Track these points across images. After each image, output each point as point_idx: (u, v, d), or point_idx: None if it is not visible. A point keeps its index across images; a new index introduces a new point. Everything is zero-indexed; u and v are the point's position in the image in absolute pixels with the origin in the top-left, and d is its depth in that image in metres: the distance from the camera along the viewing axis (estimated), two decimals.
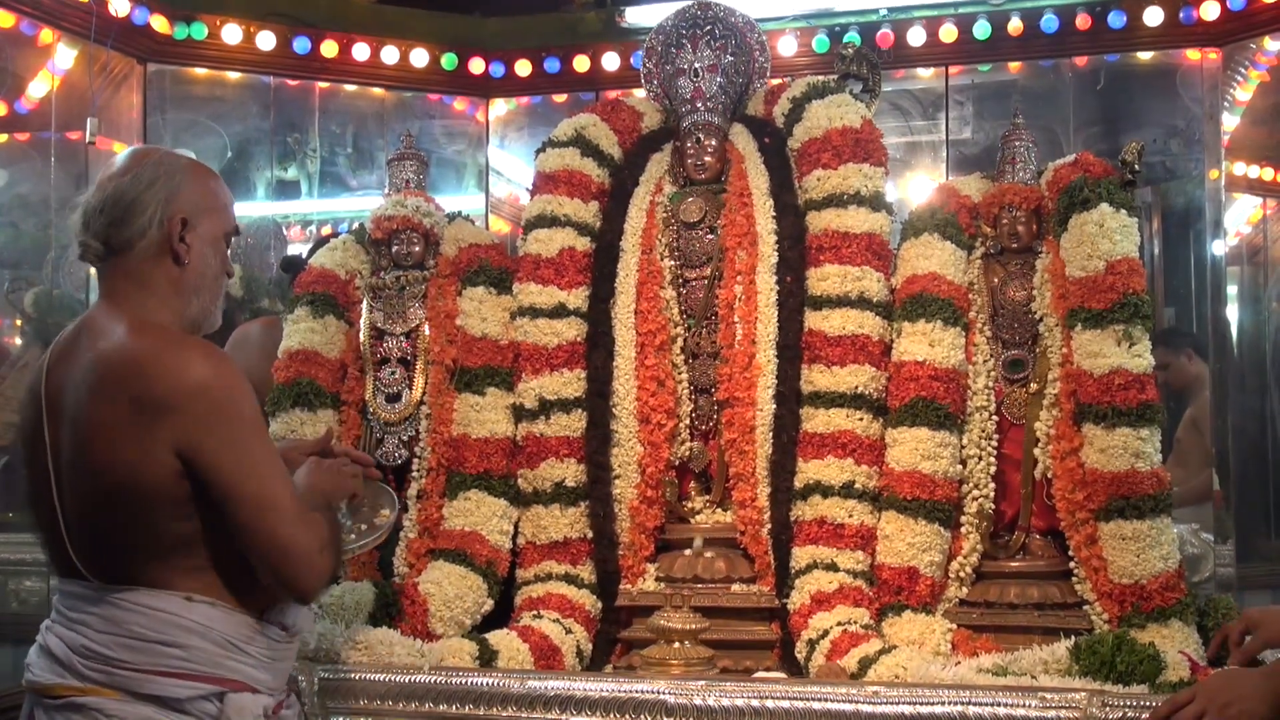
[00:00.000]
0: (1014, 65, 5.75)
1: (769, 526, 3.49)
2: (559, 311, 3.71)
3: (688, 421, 3.70)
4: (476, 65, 5.94)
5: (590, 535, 3.63)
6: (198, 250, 2.35)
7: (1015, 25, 5.39)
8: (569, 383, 3.67)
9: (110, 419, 2.16)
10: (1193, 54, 5.42)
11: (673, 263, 3.76)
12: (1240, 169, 5.68)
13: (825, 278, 3.55)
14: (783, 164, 3.76)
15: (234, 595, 2.26)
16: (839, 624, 3.21)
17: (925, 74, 5.79)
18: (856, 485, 3.42)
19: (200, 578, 2.23)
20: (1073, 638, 2.98)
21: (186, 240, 2.33)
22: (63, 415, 2.23)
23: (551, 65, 5.90)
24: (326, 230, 5.90)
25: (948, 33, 5.46)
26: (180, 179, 2.35)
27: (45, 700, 2.22)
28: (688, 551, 3.58)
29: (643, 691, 2.86)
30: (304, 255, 4.71)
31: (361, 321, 3.82)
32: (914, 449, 3.40)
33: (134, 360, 2.18)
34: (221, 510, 2.19)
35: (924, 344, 3.46)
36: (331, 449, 2.75)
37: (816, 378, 3.50)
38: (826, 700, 2.76)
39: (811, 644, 3.22)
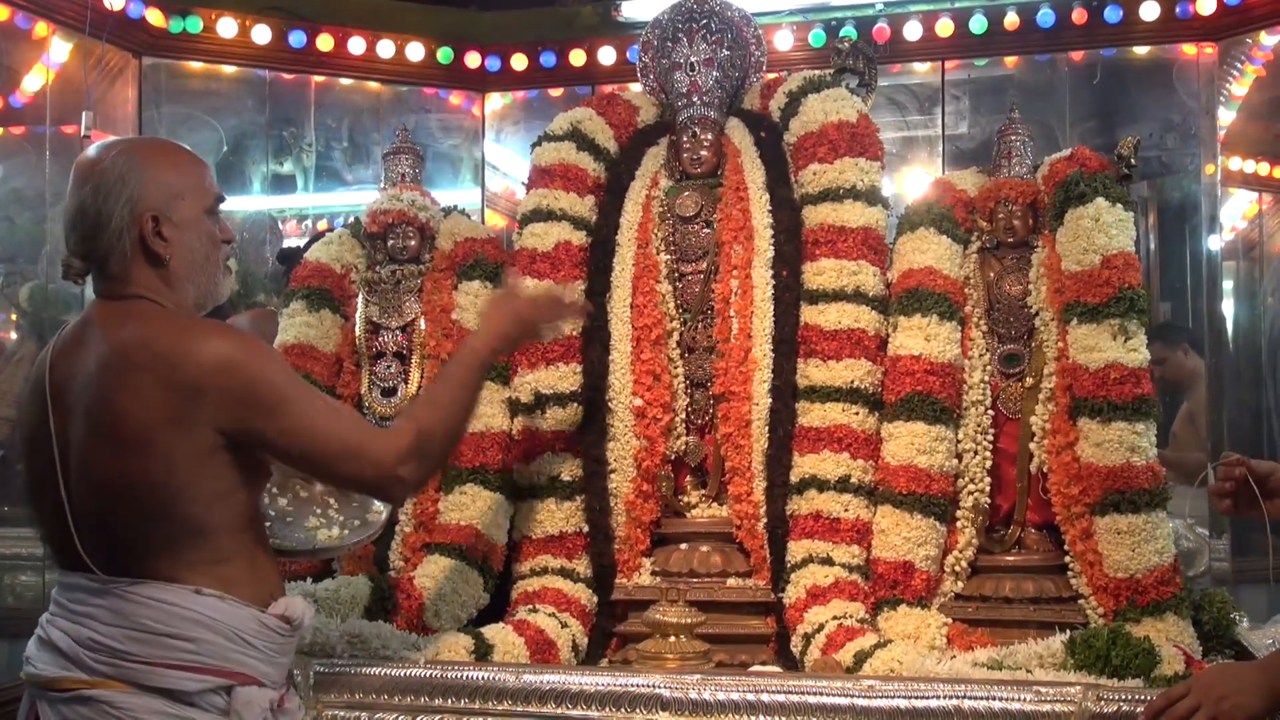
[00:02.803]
0: (1010, 60, 5.74)
1: (765, 521, 3.49)
2: None
3: (683, 416, 3.70)
4: (472, 59, 5.93)
5: (586, 529, 3.63)
6: (178, 241, 2.30)
7: (1011, 20, 5.38)
8: (565, 377, 3.67)
9: (136, 408, 2.15)
10: (1189, 49, 5.41)
11: (669, 257, 3.76)
12: (1236, 164, 5.68)
13: (821, 272, 3.55)
14: (779, 158, 3.76)
15: (240, 589, 2.26)
16: (834, 618, 3.21)
17: (921, 68, 5.78)
18: (852, 480, 3.42)
19: (208, 571, 2.23)
20: (1068, 632, 2.99)
21: (164, 235, 2.28)
22: (71, 410, 2.22)
23: (547, 60, 5.89)
24: (323, 225, 5.91)
25: (944, 27, 5.45)
26: (139, 175, 2.26)
27: (50, 693, 2.21)
28: (684, 546, 3.59)
29: (638, 685, 2.86)
30: (302, 248, 4.72)
31: (357, 316, 3.81)
32: (910, 443, 3.40)
33: (154, 348, 2.18)
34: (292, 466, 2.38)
35: (920, 338, 3.46)
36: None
37: (812, 372, 3.50)
38: (822, 694, 2.77)
39: (807, 638, 3.22)
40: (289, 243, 5.89)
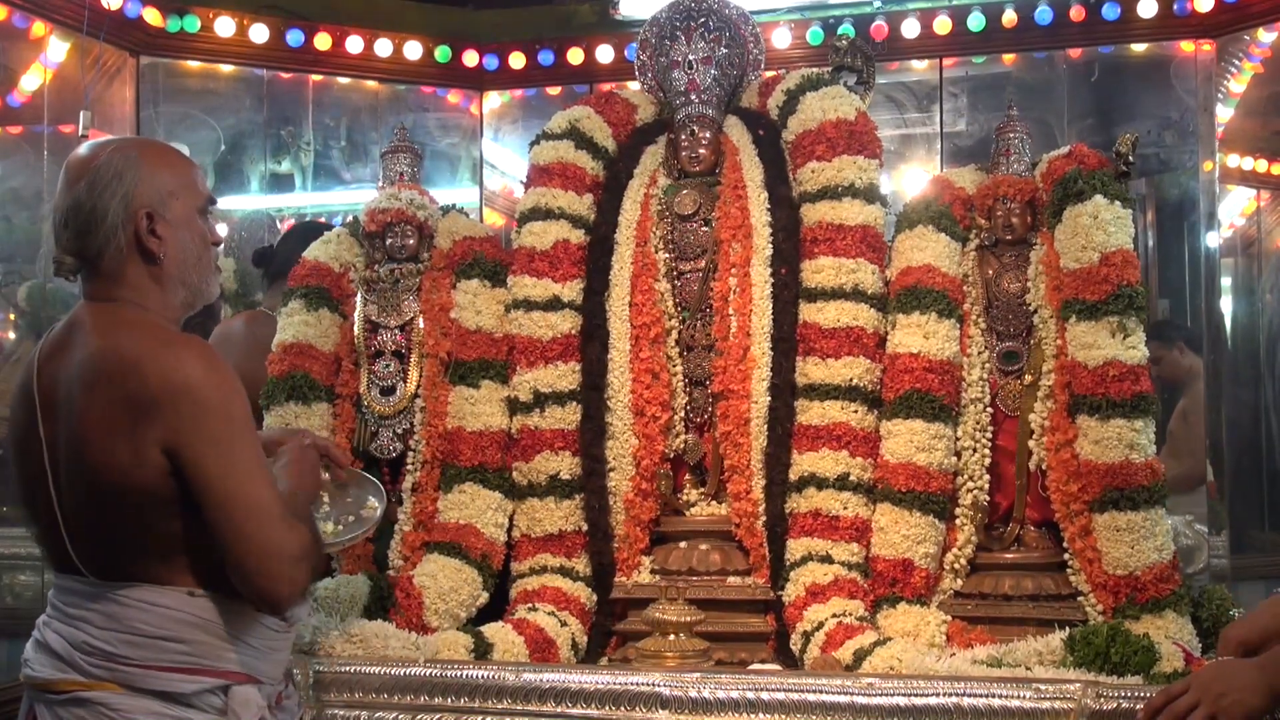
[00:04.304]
0: (1008, 57, 5.75)
1: (764, 519, 3.50)
2: (553, 304, 3.71)
3: (682, 414, 3.70)
4: (470, 58, 5.93)
5: (585, 528, 3.64)
6: (171, 239, 2.29)
7: (1009, 17, 5.38)
8: (563, 375, 3.67)
9: (104, 418, 2.14)
10: (1186, 46, 5.41)
11: (667, 255, 3.76)
12: (1234, 161, 5.68)
13: (820, 270, 3.55)
14: (777, 156, 3.76)
15: (233, 587, 2.25)
16: (834, 616, 3.22)
17: (919, 66, 5.78)
18: (851, 477, 3.43)
19: (200, 572, 2.22)
20: (1067, 629, 2.99)
21: (158, 233, 2.27)
22: (57, 412, 2.21)
23: (545, 58, 5.89)
24: (321, 221, 5.90)
25: (942, 25, 5.46)
26: (135, 173, 2.26)
27: (47, 695, 2.21)
28: (683, 544, 3.59)
29: (638, 684, 2.86)
30: (273, 247, 4.72)
31: (356, 314, 3.81)
32: (909, 441, 3.40)
33: (127, 358, 2.16)
34: (203, 510, 2.15)
35: (918, 336, 3.46)
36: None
37: (811, 370, 3.50)
38: (821, 692, 2.77)
39: (806, 636, 3.22)
40: None
